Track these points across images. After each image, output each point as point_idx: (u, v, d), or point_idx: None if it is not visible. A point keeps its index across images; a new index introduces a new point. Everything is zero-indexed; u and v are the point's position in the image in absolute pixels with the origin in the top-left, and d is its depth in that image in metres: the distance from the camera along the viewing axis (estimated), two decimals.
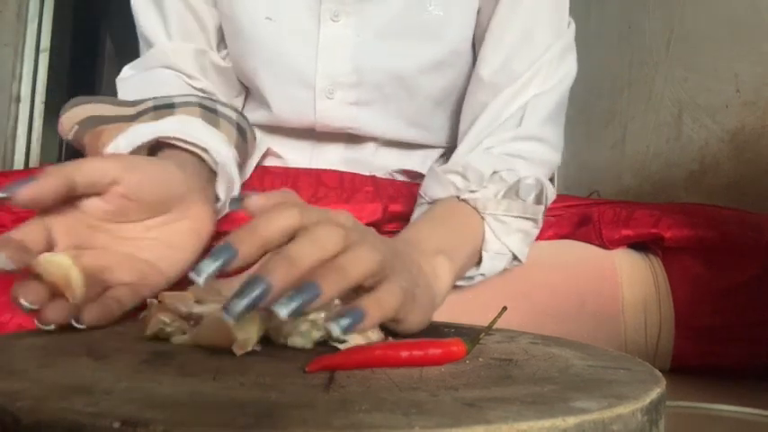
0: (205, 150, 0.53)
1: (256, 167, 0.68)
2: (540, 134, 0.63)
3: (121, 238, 0.43)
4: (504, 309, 0.36)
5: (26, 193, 0.37)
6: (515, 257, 0.58)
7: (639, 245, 0.65)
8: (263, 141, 0.73)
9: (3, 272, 0.35)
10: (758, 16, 0.93)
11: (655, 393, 0.27)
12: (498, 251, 0.56)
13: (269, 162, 0.74)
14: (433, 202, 0.59)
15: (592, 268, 0.63)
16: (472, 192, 0.57)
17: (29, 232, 0.38)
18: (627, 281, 0.62)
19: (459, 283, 0.56)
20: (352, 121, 0.71)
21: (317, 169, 0.69)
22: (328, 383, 0.28)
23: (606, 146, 1.33)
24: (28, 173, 0.59)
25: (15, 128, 1.66)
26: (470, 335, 0.35)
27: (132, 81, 0.67)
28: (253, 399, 0.25)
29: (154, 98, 0.59)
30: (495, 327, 0.36)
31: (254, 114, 0.73)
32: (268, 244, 0.32)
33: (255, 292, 0.30)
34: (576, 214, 0.67)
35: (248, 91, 0.76)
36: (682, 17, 1.11)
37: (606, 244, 0.63)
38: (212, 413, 0.23)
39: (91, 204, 0.42)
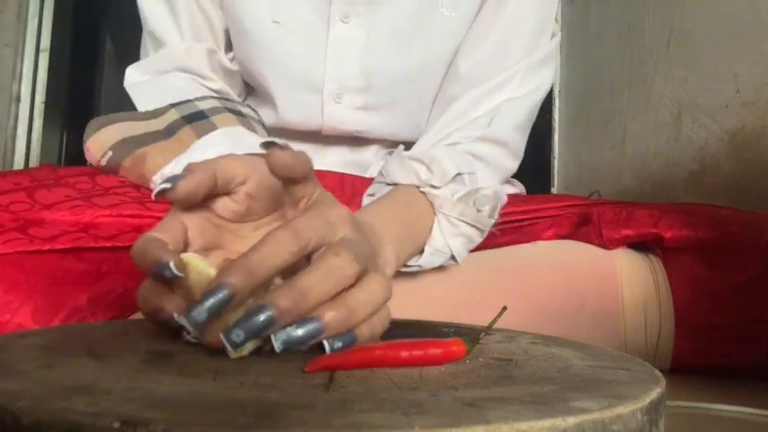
0: None
1: None
2: (506, 139, 0.64)
3: (239, 237, 0.43)
4: (504, 309, 0.36)
5: (185, 188, 0.37)
6: (453, 257, 0.59)
7: (639, 245, 0.65)
8: None
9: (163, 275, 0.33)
10: (758, 16, 0.93)
11: (655, 393, 0.27)
12: (440, 249, 0.58)
13: None
14: (392, 185, 0.59)
15: (592, 268, 0.63)
16: (433, 186, 0.58)
17: (171, 230, 0.38)
18: (627, 281, 0.62)
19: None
20: (360, 124, 0.71)
21: (318, 170, 0.69)
22: (328, 383, 0.28)
23: (606, 146, 1.33)
24: (28, 172, 0.60)
25: (15, 128, 1.66)
26: (470, 335, 0.35)
27: (147, 87, 0.66)
28: (253, 399, 0.25)
29: (172, 105, 0.59)
30: (495, 327, 0.36)
31: None
32: (262, 284, 0.32)
33: (258, 323, 0.30)
34: (576, 214, 0.67)
35: (250, 92, 0.76)
36: (682, 17, 1.11)
37: (606, 244, 0.63)
38: (212, 413, 0.22)
39: (222, 205, 0.41)
